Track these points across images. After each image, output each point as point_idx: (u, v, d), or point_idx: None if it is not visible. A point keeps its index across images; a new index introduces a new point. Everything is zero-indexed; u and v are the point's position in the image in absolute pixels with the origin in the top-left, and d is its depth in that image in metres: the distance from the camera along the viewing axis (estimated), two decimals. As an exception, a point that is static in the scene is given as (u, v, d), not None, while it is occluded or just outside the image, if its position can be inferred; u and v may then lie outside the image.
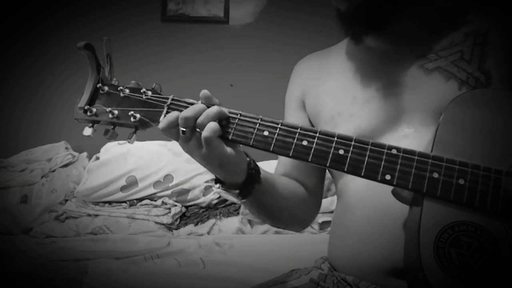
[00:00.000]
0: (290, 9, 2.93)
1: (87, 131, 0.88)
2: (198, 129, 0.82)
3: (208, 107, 0.83)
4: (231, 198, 0.91)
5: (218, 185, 0.90)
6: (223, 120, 0.83)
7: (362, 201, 0.95)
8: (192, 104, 0.85)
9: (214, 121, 0.82)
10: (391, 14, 0.96)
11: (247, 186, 0.90)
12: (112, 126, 0.89)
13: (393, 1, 0.95)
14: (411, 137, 0.92)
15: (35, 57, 2.91)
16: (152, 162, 2.55)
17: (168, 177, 2.51)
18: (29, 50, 2.91)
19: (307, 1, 2.85)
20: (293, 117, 1.15)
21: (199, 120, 0.82)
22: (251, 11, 3.01)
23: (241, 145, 0.87)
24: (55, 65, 2.86)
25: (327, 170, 1.15)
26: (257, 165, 0.93)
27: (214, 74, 2.94)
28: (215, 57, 2.98)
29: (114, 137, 0.89)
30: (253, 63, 2.96)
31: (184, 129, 0.82)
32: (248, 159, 0.91)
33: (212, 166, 0.86)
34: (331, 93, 1.05)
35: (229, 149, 0.84)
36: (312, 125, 1.11)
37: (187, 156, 0.89)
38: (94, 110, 0.88)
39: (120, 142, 2.63)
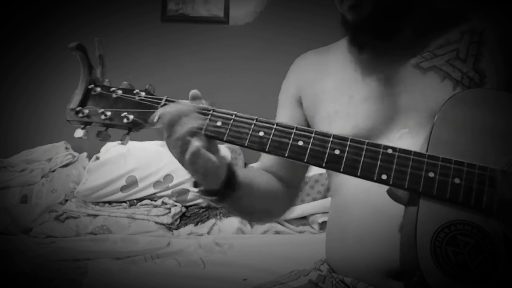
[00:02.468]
0: (290, 9, 2.93)
1: (79, 132, 0.87)
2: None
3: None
4: (206, 200, 0.91)
5: (196, 189, 0.90)
6: (218, 121, 0.83)
7: (357, 201, 0.95)
8: None
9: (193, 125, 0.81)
10: (397, 25, 0.96)
11: (223, 193, 0.90)
12: (104, 128, 0.88)
13: (399, 14, 0.95)
14: (406, 136, 0.93)
15: (35, 57, 2.91)
16: (152, 162, 2.55)
17: (168, 177, 2.51)
18: (29, 50, 2.92)
19: (307, 1, 2.85)
20: (286, 112, 1.14)
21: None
22: (251, 11, 3.01)
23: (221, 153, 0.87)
24: (55, 65, 2.85)
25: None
26: (234, 172, 0.92)
27: (214, 74, 2.94)
28: (215, 57, 2.98)
29: (106, 139, 0.88)
30: (253, 63, 2.96)
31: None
32: (227, 164, 0.90)
33: (191, 171, 0.86)
34: (329, 91, 1.05)
35: (212, 157, 0.83)
36: (308, 123, 1.11)
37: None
38: (86, 111, 0.87)
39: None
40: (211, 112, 0.83)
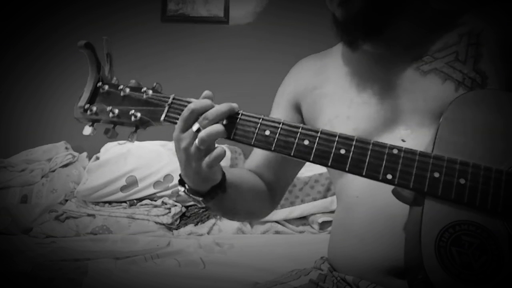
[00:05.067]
0: (290, 9, 2.93)
1: (87, 130, 0.88)
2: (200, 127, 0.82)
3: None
4: (191, 200, 0.92)
5: (182, 188, 0.90)
6: (224, 119, 0.83)
7: (362, 201, 0.95)
8: None
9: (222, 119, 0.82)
10: (388, 20, 0.97)
11: (211, 194, 0.90)
12: (112, 125, 0.89)
13: (390, 8, 0.96)
14: (408, 138, 0.93)
15: (35, 57, 2.91)
16: (152, 162, 2.55)
17: (168, 177, 2.51)
18: (29, 50, 2.91)
19: (307, 1, 2.85)
20: (280, 114, 1.14)
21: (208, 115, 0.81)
22: (251, 11, 3.01)
23: None
24: (55, 65, 2.85)
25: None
26: (224, 174, 0.92)
27: (214, 74, 2.94)
28: (215, 57, 2.98)
29: (114, 136, 0.89)
30: (253, 63, 2.95)
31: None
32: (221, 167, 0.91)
33: (189, 171, 0.86)
34: (329, 97, 1.06)
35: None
36: None
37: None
38: (94, 109, 0.88)
39: (120, 142, 2.63)
40: None
